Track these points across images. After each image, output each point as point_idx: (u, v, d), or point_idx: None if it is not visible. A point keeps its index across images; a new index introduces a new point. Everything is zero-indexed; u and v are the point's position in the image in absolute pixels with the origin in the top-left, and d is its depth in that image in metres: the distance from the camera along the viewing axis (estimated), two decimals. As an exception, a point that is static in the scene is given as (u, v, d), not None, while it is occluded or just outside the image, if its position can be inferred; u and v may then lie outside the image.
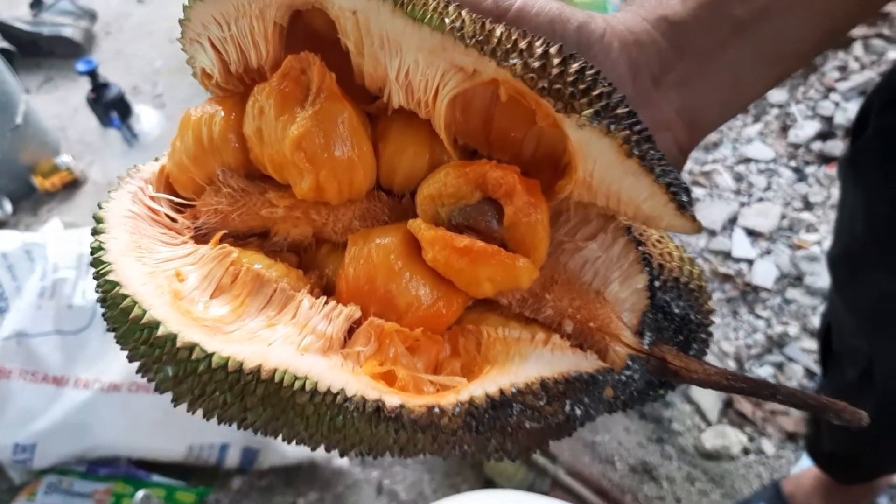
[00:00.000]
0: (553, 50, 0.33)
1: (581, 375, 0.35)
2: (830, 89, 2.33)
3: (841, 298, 1.10)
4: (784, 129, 2.29)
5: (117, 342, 0.37)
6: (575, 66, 0.33)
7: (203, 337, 0.34)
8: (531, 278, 0.37)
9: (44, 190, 2.25)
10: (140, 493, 1.39)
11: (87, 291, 1.50)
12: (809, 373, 1.82)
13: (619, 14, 0.42)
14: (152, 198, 0.43)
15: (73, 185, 2.27)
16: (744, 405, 1.81)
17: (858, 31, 2.31)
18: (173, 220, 0.43)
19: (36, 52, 2.66)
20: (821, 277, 1.97)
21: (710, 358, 1.97)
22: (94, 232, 0.40)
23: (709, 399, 1.83)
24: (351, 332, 0.37)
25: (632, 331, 0.37)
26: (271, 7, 0.38)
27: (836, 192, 2.10)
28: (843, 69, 2.36)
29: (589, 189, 0.36)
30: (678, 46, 0.42)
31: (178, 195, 0.44)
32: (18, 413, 1.52)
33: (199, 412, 0.37)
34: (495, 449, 0.36)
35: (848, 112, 2.22)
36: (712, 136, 2.34)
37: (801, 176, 2.16)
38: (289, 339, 0.35)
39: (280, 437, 0.37)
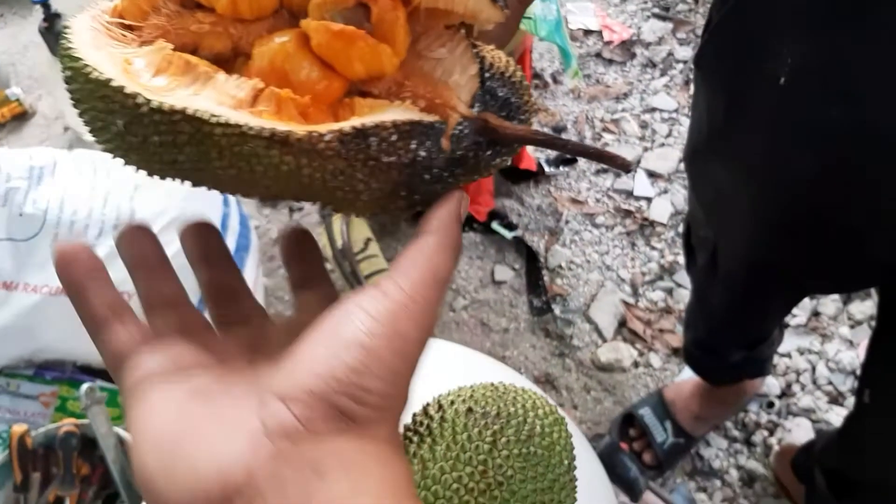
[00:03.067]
0: None
1: (423, 121, 0.48)
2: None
3: (693, 194, 1.24)
4: (687, 83, 2.46)
5: (76, 107, 0.49)
6: None
7: (145, 92, 0.45)
8: (392, 64, 0.49)
9: (-8, 120, 2.26)
10: (84, 386, 1.44)
11: (37, 201, 1.54)
12: (695, 295, 1.98)
13: None
14: (109, 22, 0.54)
15: (21, 116, 2.30)
16: (636, 324, 1.98)
17: None
18: (124, 36, 0.54)
19: (-16, -13, 2.65)
20: (707, 212, 2.14)
21: (608, 283, 2.11)
22: (63, 36, 0.51)
23: (605, 319, 1.99)
24: (255, 100, 0.48)
25: (466, 104, 0.50)
26: None
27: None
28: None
29: (431, -6, 0.49)
30: None
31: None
32: (-32, 316, 1.55)
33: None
34: (364, 185, 0.48)
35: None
36: (622, 88, 2.49)
37: (697, 126, 2.32)
38: (209, 98, 0.47)
39: (203, 184, 0.49)
